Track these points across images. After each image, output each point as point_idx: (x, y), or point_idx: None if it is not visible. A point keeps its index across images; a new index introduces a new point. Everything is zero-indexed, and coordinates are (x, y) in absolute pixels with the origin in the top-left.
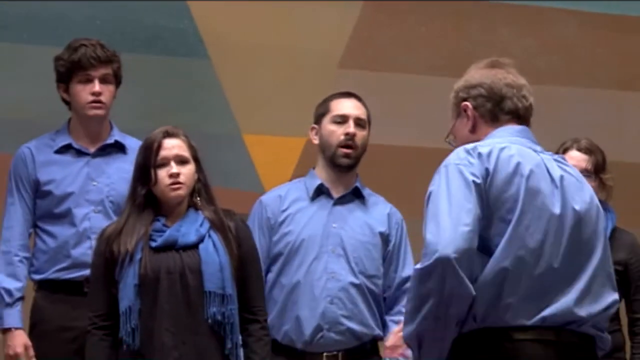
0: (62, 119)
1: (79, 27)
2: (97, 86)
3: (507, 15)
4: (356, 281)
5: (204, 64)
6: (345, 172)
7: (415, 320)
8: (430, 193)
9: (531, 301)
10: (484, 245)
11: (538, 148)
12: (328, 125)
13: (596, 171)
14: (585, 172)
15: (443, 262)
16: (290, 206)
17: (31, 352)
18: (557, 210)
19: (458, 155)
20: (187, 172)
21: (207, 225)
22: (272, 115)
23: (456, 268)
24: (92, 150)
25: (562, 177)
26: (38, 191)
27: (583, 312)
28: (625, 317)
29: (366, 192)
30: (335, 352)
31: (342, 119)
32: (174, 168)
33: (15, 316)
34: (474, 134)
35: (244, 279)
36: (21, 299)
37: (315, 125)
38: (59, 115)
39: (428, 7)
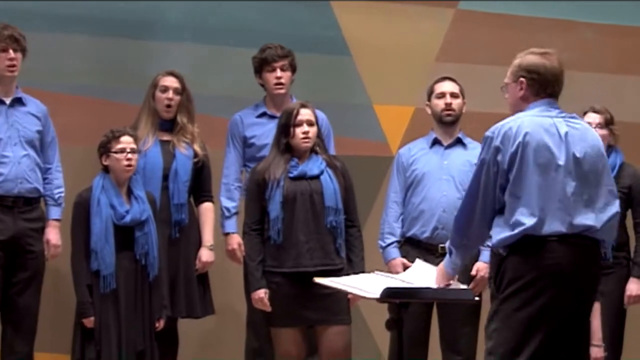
0: (256, 96)
1: (265, 35)
2: (278, 72)
3: (543, 26)
4: (460, 197)
5: (347, 59)
6: (449, 127)
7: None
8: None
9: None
10: None
11: (554, 113)
12: (434, 100)
13: (607, 124)
14: (599, 125)
15: None
16: (416, 153)
17: (242, 248)
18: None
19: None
20: (313, 131)
21: (324, 164)
22: (392, 91)
23: None
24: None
25: (566, 133)
26: (245, 143)
27: (595, 222)
28: (631, 222)
29: (467, 140)
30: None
31: (442, 95)
32: (305, 127)
33: (232, 225)
34: (524, 101)
35: (346, 200)
36: (236, 213)
37: (428, 102)
38: (254, 93)
39: (495, 19)
